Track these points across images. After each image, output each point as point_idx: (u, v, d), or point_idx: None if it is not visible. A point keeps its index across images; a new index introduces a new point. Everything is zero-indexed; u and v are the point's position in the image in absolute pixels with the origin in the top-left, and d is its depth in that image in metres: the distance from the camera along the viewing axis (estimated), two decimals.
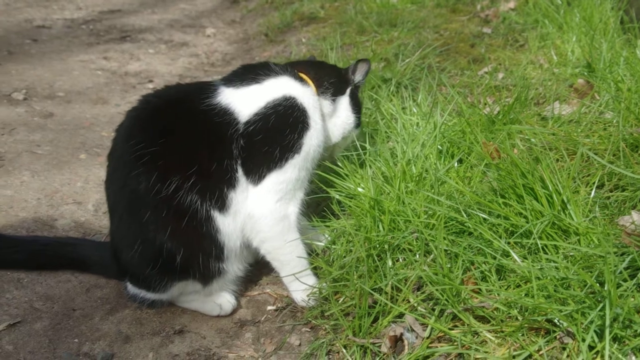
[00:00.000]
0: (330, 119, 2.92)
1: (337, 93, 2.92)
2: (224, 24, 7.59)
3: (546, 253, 2.26)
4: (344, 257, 2.65)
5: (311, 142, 2.65)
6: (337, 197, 2.89)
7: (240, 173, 2.54)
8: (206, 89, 2.62)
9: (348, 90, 2.98)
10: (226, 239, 2.58)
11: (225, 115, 2.54)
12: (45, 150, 4.11)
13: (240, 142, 2.52)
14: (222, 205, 2.53)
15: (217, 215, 2.53)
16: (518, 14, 5.20)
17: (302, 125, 2.63)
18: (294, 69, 2.81)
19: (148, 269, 2.55)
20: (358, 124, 3.02)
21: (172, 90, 2.76)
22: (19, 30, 6.89)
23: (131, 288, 2.74)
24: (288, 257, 2.69)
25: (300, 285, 2.68)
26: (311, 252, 2.86)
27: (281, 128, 2.58)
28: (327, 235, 2.94)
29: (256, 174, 2.56)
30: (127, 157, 2.49)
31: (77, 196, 3.61)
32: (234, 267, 2.70)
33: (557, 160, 2.82)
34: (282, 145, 2.57)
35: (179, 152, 2.50)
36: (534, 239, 2.27)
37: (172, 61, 6.19)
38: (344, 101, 2.96)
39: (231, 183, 2.53)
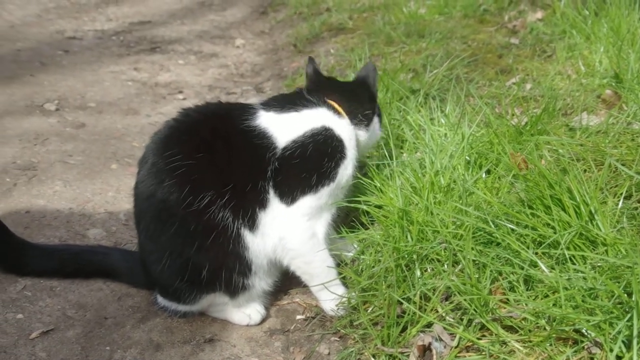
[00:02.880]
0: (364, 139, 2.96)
1: (370, 120, 2.96)
2: (253, 35, 7.63)
3: (574, 263, 2.26)
4: (373, 267, 2.67)
5: (345, 171, 2.73)
6: (365, 208, 2.91)
7: (271, 194, 2.59)
8: (246, 110, 2.68)
9: (377, 109, 3.05)
10: (253, 256, 2.63)
11: (264, 139, 2.60)
12: (77, 160, 4.16)
13: (275, 165, 2.57)
14: (252, 224, 2.59)
15: (246, 234, 2.58)
16: (545, 25, 5.19)
17: (340, 155, 2.70)
18: (325, 97, 2.85)
19: (176, 282, 2.60)
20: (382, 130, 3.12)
21: (212, 107, 2.83)
22: (50, 42, 6.96)
23: (161, 300, 2.79)
24: (318, 269, 2.72)
25: (330, 294, 2.71)
26: (340, 263, 2.89)
27: (319, 156, 2.64)
28: (355, 246, 2.96)
29: (289, 197, 2.61)
30: (160, 167, 2.53)
31: (108, 206, 3.65)
32: (261, 283, 2.75)
33: (585, 171, 2.82)
34: (320, 172, 2.63)
35: (216, 169, 2.54)
36: (561, 249, 2.28)
37: (202, 72, 6.24)
38: (375, 121, 3.02)
39: (263, 204, 2.59)
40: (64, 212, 3.55)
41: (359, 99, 2.96)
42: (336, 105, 2.83)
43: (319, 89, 2.93)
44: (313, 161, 2.63)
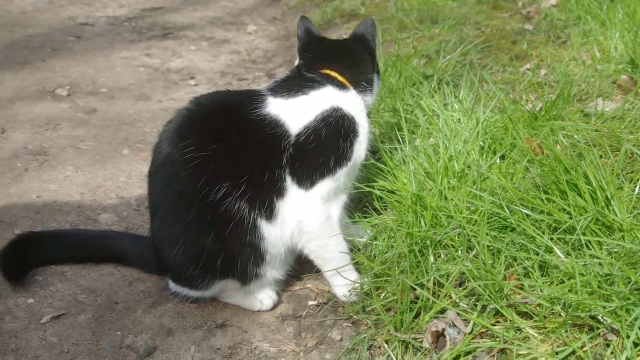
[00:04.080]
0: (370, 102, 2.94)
1: (372, 83, 2.93)
2: (265, 22, 7.60)
3: (590, 249, 2.24)
4: (386, 252, 2.66)
5: (361, 147, 2.70)
6: (379, 193, 2.89)
7: (288, 182, 2.57)
8: (256, 98, 2.65)
9: (376, 66, 3.01)
10: (270, 246, 2.62)
11: (277, 127, 2.57)
12: (89, 145, 4.16)
13: (290, 152, 2.55)
14: (270, 214, 2.57)
15: (263, 224, 2.57)
16: (560, 11, 5.15)
17: (353, 133, 2.66)
18: (325, 68, 2.82)
19: (190, 269, 2.59)
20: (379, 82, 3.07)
21: (223, 96, 2.79)
22: (62, 28, 6.96)
23: (173, 286, 2.79)
24: (332, 254, 2.71)
25: (343, 280, 2.69)
26: (353, 248, 2.87)
27: (334, 139, 2.61)
28: (368, 231, 2.94)
29: (308, 181, 2.59)
30: (176, 158, 2.51)
31: (120, 191, 3.64)
32: (274, 272, 2.75)
33: (601, 156, 2.79)
34: (337, 154, 2.61)
35: (231, 160, 2.53)
36: (577, 235, 2.25)
37: (214, 58, 6.22)
38: (376, 79, 2.98)
39: (280, 193, 2.57)
40: (76, 197, 3.55)
41: (359, 62, 2.92)
42: (339, 77, 2.80)
43: (316, 58, 2.90)
44: (329, 144, 2.60)
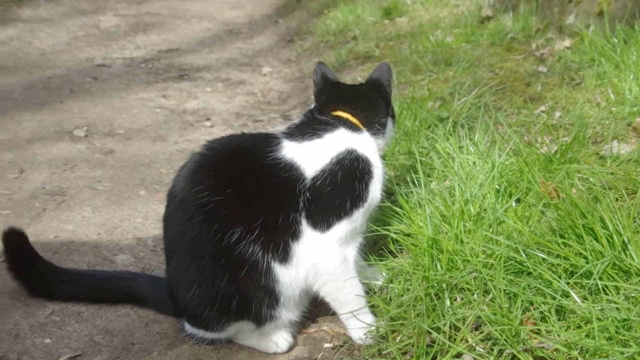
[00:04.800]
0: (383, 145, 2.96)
1: (385, 126, 2.94)
2: (280, 63, 7.66)
3: (607, 294, 2.23)
4: (402, 295, 2.65)
5: (376, 187, 2.72)
6: (394, 236, 2.90)
7: (304, 225, 2.59)
8: (270, 141, 2.67)
9: (391, 111, 3.02)
10: (284, 289, 2.63)
11: (292, 170, 2.59)
12: (105, 186, 4.19)
13: (307, 195, 2.57)
14: (284, 257, 2.59)
15: (277, 267, 2.59)
16: (574, 53, 5.17)
17: (368, 175, 2.69)
18: (338, 109, 2.84)
19: (205, 311, 2.61)
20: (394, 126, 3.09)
21: (237, 140, 2.82)
22: (80, 69, 7.05)
23: (189, 327, 2.79)
24: (347, 296, 2.70)
25: (358, 323, 2.69)
26: (369, 291, 2.87)
27: (349, 181, 2.63)
28: (384, 274, 2.94)
29: (325, 223, 2.60)
30: (190, 202, 2.55)
31: (136, 232, 3.67)
32: (289, 314, 2.75)
33: (617, 199, 2.79)
34: (353, 196, 2.63)
35: (244, 204, 2.55)
36: (594, 279, 2.25)
37: (229, 99, 6.27)
38: (389, 123, 3.00)
39: (295, 235, 2.59)
40: (92, 237, 3.57)
41: (372, 105, 2.93)
42: (351, 118, 2.82)
43: (329, 100, 2.92)
44: (345, 186, 2.62)
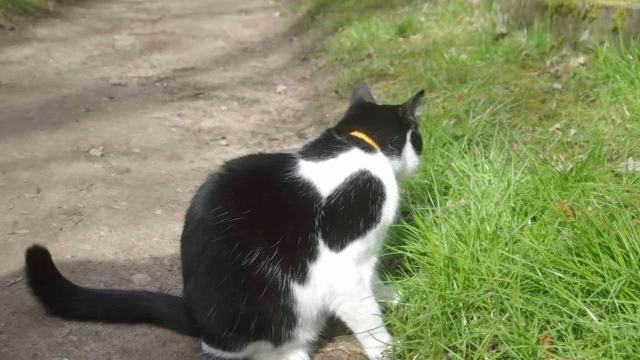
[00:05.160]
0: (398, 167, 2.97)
1: (401, 147, 2.96)
2: (295, 81, 7.69)
3: (624, 312, 2.23)
4: (418, 314, 2.66)
5: (389, 209, 2.74)
6: (410, 255, 2.91)
7: (321, 245, 2.60)
8: (287, 161, 2.70)
9: (409, 136, 3.02)
10: (302, 309, 2.64)
11: (308, 190, 2.62)
12: (122, 205, 4.22)
13: (322, 214, 2.59)
14: (302, 277, 2.60)
15: (296, 288, 2.60)
16: (588, 69, 5.17)
17: (381, 196, 2.70)
18: (354, 129, 2.88)
19: (223, 332, 2.61)
20: (419, 159, 3.10)
21: (255, 160, 2.85)
22: (95, 88, 7.09)
23: (206, 347, 2.80)
24: (364, 315, 2.71)
25: (375, 342, 2.69)
26: (385, 310, 2.87)
27: (363, 201, 2.65)
28: (400, 293, 2.95)
29: (339, 244, 2.61)
30: (209, 223, 2.57)
31: (153, 251, 3.68)
32: (307, 334, 2.75)
33: (633, 217, 2.79)
34: (366, 217, 2.64)
35: (263, 224, 2.57)
36: (611, 298, 2.25)
37: (244, 118, 6.29)
38: (407, 148, 3.01)
39: (313, 256, 2.60)
40: (109, 257, 3.59)
41: (386, 124, 2.96)
42: (366, 138, 2.85)
43: (348, 119, 3.00)
44: (358, 207, 2.64)
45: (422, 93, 3.02)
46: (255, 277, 2.53)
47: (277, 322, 2.62)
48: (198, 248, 2.60)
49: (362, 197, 2.65)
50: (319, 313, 2.71)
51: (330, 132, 2.89)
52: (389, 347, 2.69)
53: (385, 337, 2.74)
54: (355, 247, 2.64)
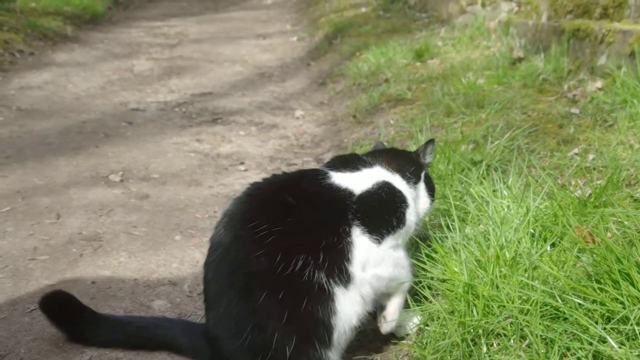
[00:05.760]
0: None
1: (416, 181, 3.10)
2: (312, 106, 7.71)
3: None
4: (438, 341, 2.66)
5: (411, 218, 2.89)
6: (430, 281, 2.92)
7: (359, 242, 2.69)
8: (318, 172, 2.88)
9: (422, 175, 3.15)
10: (339, 321, 2.63)
11: (341, 191, 2.75)
12: (141, 231, 4.24)
13: (354, 208, 2.72)
14: (347, 278, 2.65)
15: (340, 292, 2.63)
16: (606, 94, 5.16)
17: (404, 203, 2.89)
18: (375, 155, 3.09)
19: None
20: (432, 204, 3.23)
21: (282, 177, 2.97)
22: (114, 113, 7.14)
23: None
24: (404, 287, 2.90)
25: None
26: (404, 336, 2.88)
27: (391, 203, 2.85)
28: (419, 317, 2.95)
29: (379, 236, 2.75)
30: (247, 239, 2.58)
31: (172, 277, 3.69)
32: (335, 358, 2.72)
33: None
34: (396, 216, 2.83)
35: (304, 231, 2.62)
36: (631, 324, 2.25)
37: (263, 143, 6.32)
38: (421, 187, 3.13)
39: (351, 255, 2.67)
40: (129, 283, 3.60)
41: (404, 159, 3.15)
42: (385, 164, 3.01)
43: (370, 152, 3.19)
44: (388, 206, 2.83)
45: (432, 141, 3.24)
46: (298, 288, 2.54)
47: (313, 342, 2.58)
48: (231, 268, 2.59)
49: (389, 200, 2.85)
50: (350, 327, 2.69)
51: (356, 154, 3.09)
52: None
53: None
54: (389, 241, 2.79)
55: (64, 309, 3.00)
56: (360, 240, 2.69)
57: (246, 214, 2.67)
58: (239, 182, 5.17)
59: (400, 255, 2.87)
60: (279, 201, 2.69)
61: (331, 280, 2.58)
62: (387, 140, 5.22)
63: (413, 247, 3.14)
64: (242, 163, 5.68)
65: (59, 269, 3.68)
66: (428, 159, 3.23)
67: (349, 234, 2.67)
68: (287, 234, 2.57)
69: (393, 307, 2.91)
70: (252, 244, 2.55)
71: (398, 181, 2.95)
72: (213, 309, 2.69)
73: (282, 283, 2.51)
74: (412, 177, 3.06)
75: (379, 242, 2.74)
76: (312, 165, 5.52)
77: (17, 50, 9.67)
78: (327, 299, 2.58)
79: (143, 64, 9.86)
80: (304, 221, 2.63)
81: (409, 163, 3.12)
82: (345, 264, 2.64)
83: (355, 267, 2.67)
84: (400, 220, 2.83)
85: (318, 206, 2.71)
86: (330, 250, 2.60)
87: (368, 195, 2.77)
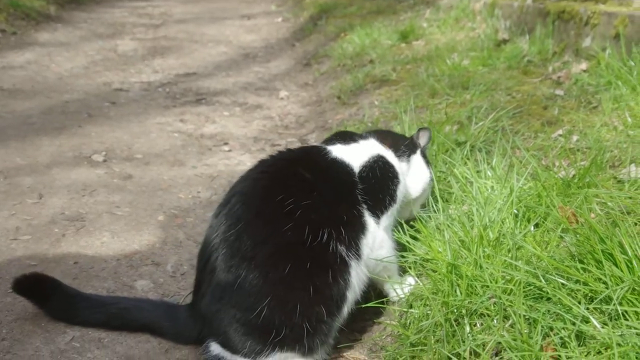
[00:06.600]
0: (408, 177, 3.14)
1: (410, 154, 3.17)
2: (297, 87, 7.69)
3: (627, 319, 2.23)
4: (421, 321, 2.66)
5: (400, 193, 2.98)
6: (413, 260, 2.92)
7: (366, 217, 2.80)
8: (319, 148, 2.99)
9: (418, 151, 3.22)
10: (351, 293, 2.73)
11: (346, 166, 2.86)
12: (124, 211, 4.22)
13: (360, 187, 2.81)
14: (358, 253, 2.73)
15: (354, 265, 2.71)
16: (590, 76, 5.16)
17: (396, 179, 3.00)
18: (368, 133, 3.19)
19: (268, 335, 2.56)
20: (432, 178, 3.27)
21: (289, 154, 3.04)
22: (98, 93, 7.10)
23: (221, 351, 2.71)
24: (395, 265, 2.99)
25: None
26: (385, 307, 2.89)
27: (384, 179, 2.95)
28: (413, 278, 3.00)
29: (378, 215, 2.87)
30: (272, 213, 2.62)
31: (155, 257, 3.68)
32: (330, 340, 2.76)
33: (635, 224, 2.78)
34: (389, 193, 2.93)
35: (327, 204, 2.70)
36: (614, 304, 2.25)
37: (247, 123, 6.30)
38: (418, 158, 3.21)
39: (363, 229, 2.79)
40: (112, 263, 3.59)
41: (397, 136, 3.31)
42: (379, 140, 3.12)
43: (369, 133, 3.22)
44: (383, 183, 2.93)
45: (428, 129, 3.36)
46: (323, 259, 2.61)
47: (331, 312, 2.64)
48: (254, 242, 2.57)
49: (383, 175, 2.94)
50: (354, 301, 2.78)
51: (347, 130, 3.27)
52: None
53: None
54: (385, 220, 2.90)
55: (39, 290, 3.00)
56: (369, 222, 2.80)
57: (269, 189, 2.71)
58: (223, 162, 5.16)
59: (390, 236, 2.95)
60: (298, 176, 2.75)
61: (350, 254, 2.67)
62: (372, 121, 5.21)
63: (397, 228, 3.12)
64: (226, 143, 5.66)
65: (41, 249, 3.66)
66: (422, 142, 3.29)
67: (362, 215, 2.78)
68: (313, 207, 2.63)
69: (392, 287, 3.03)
70: (280, 217, 2.58)
71: (391, 156, 3.05)
72: (206, 285, 2.67)
73: (311, 254, 2.58)
74: (407, 151, 3.17)
75: (378, 222, 2.86)
76: (297, 146, 5.50)
77: (0, 30, 9.59)
78: (346, 271, 2.66)
79: (127, 44, 9.81)
80: (325, 196, 2.70)
81: (403, 140, 3.23)
82: (359, 240, 2.73)
83: (365, 246, 2.76)
84: (392, 198, 2.93)
85: (332, 182, 2.80)
86: (349, 226, 2.70)
87: (366, 172, 2.87)
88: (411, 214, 3.23)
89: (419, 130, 3.32)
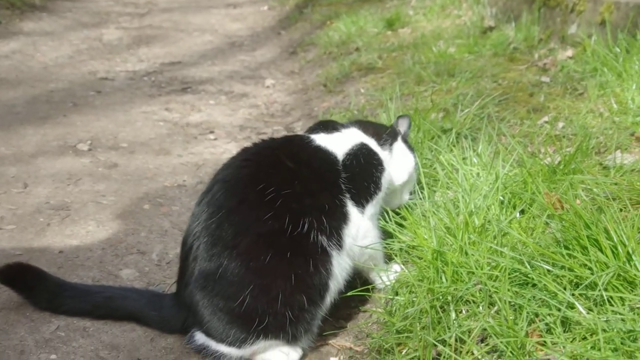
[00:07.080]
0: (392, 165, 3.12)
1: (392, 142, 3.16)
2: (283, 75, 7.67)
3: (612, 305, 2.23)
4: (407, 308, 2.66)
5: (385, 181, 2.96)
6: (399, 247, 2.92)
7: (349, 207, 2.78)
8: (303, 137, 2.96)
9: (399, 138, 3.22)
10: (333, 282, 2.73)
11: (330, 155, 2.83)
12: (109, 200, 4.20)
13: (343, 175, 2.79)
14: (340, 243, 2.72)
15: (335, 255, 2.70)
16: (576, 62, 5.17)
17: (380, 166, 2.98)
18: (350, 123, 3.21)
19: (251, 324, 2.57)
20: (417, 163, 3.28)
21: (272, 142, 3.02)
22: (83, 83, 7.05)
23: (206, 340, 2.73)
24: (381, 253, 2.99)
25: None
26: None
27: (369, 168, 2.93)
28: (399, 265, 3.00)
29: (362, 204, 2.85)
30: (254, 201, 2.60)
31: (141, 246, 3.67)
32: (314, 328, 2.79)
33: (621, 210, 2.79)
34: (373, 182, 2.91)
35: (309, 193, 2.67)
36: (599, 290, 2.25)
37: (233, 112, 6.28)
38: (400, 145, 3.19)
39: (345, 219, 2.77)
40: (97, 252, 3.57)
41: (378, 125, 3.31)
42: (361, 129, 3.12)
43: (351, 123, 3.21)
44: (367, 171, 2.91)
45: (407, 116, 3.40)
46: (304, 248, 2.60)
47: (313, 301, 2.65)
48: (237, 230, 2.57)
49: (367, 163, 2.92)
50: (337, 291, 2.78)
51: (330, 120, 3.22)
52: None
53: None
54: (370, 209, 2.89)
55: (23, 279, 2.98)
56: (352, 211, 2.79)
57: (251, 177, 2.69)
58: (209, 151, 5.15)
59: (375, 225, 2.96)
60: (281, 165, 2.73)
61: (331, 244, 2.66)
62: (358, 108, 5.21)
63: (383, 215, 3.12)
64: (211, 132, 5.64)
65: (26, 239, 3.64)
66: (402, 129, 3.29)
67: (345, 204, 2.76)
68: (294, 196, 2.62)
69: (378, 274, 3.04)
70: (262, 206, 2.58)
71: (374, 144, 3.05)
72: (201, 272, 2.64)
73: (291, 244, 2.57)
74: (388, 139, 3.15)
75: (362, 212, 2.85)
76: (283, 134, 5.49)
77: None
78: (328, 261, 2.65)
79: (112, 33, 9.75)
80: (307, 185, 2.68)
81: (385, 129, 3.22)
82: (341, 230, 2.72)
83: (347, 236, 2.75)
84: (377, 187, 2.91)
85: (315, 171, 2.78)
86: (331, 215, 2.68)
87: (350, 160, 2.85)
88: (400, 202, 3.24)
89: (398, 117, 3.34)
